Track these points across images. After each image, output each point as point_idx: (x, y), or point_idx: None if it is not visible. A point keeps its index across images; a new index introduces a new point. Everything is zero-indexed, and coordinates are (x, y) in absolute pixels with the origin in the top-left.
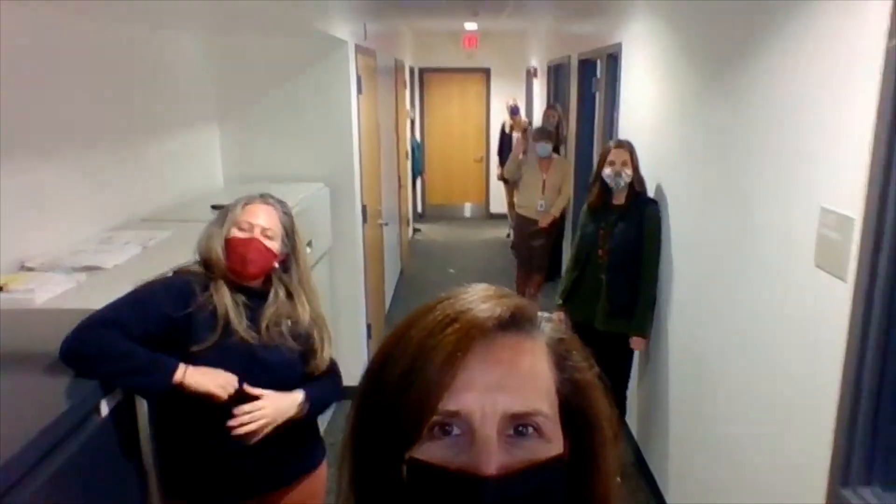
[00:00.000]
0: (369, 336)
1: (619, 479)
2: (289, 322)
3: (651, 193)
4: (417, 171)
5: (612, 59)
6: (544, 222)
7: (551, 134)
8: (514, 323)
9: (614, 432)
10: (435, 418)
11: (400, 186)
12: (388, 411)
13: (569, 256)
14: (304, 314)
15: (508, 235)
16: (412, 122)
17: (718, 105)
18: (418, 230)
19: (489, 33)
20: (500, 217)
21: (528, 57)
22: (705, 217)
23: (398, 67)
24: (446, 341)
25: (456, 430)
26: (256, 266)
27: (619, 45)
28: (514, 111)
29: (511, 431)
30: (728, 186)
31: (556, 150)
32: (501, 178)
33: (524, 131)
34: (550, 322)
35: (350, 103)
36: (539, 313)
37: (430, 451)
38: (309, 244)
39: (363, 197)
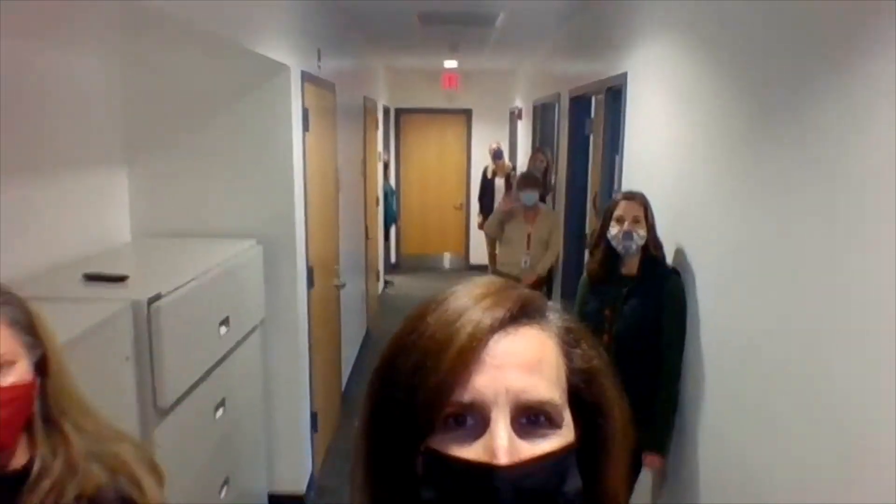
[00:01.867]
0: (314, 428)
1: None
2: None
3: (669, 260)
4: (391, 218)
5: (613, 94)
6: (528, 281)
7: (538, 181)
8: (524, 314)
9: (626, 417)
10: (449, 410)
11: (367, 238)
12: (402, 404)
13: None
14: (95, 475)
15: None
16: (385, 166)
17: (770, 150)
18: (390, 282)
19: (470, 72)
20: (481, 269)
21: (512, 97)
22: (751, 293)
23: (368, 107)
24: (459, 334)
25: (470, 421)
26: None
27: (623, 76)
28: (497, 155)
29: (524, 420)
30: (785, 253)
31: (542, 198)
32: (482, 226)
33: (508, 177)
34: (558, 312)
35: (291, 142)
36: (548, 303)
37: (445, 441)
38: (224, 322)
39: (309, 255)
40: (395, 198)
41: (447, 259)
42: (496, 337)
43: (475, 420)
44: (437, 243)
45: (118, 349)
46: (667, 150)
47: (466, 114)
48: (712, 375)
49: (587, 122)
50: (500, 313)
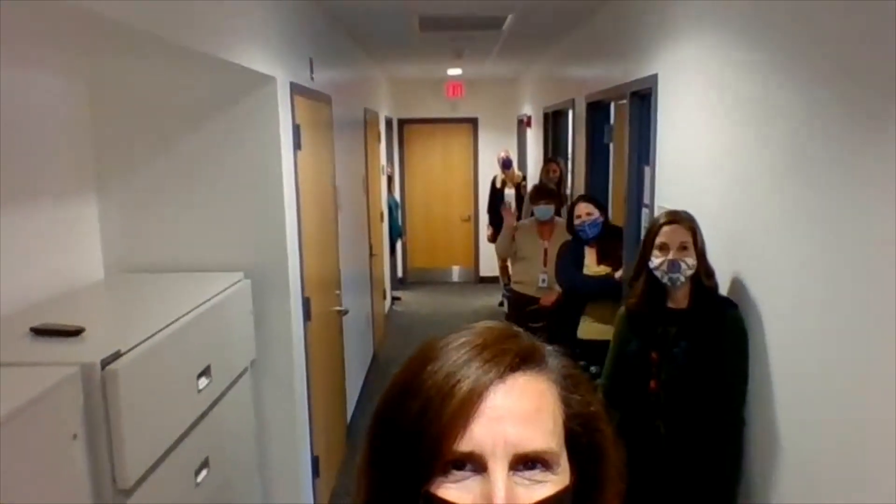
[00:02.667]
0: (316, 474)
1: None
2: None
3: (723, 290)
4: (397, 232)
5: (640, 99)
6: (546, 301)
7: (553, 193)
8: (525, 363)
9: (621, 459)
10: (448, 457)
11: (371, 255)
12: (403, 448)
13: (598, 396)
14: None
15: (501, 304)
16: (389, 179)
17: (843, 158)
18: (398, 299)
19: (475, 80)
20: (491, 281)
21: (520, 104)
22: (843, 332)
23: (369, 119)
24: (461, 386)
25: (469, 468)
26: None
27: (652, 79)
28: (506, 164)
29: (521, 468)
30: (873, 276)
31: (557, 212)
32: (492, 238)
33: (518, 187)
34: (558, 358)
35: (280, 162)
36: (546, 348)
37: (444, 487)
38: (205, 372)
39: (305, 285)
40: (400, 211)
41: (456, 272)
42: (496, 388)
43: (474, 467)
44: (444, 257)
45: (63, 426)
46: (712, 160)
47: (472, 122)
48: (787, 429)
49: (606, 130)
50: (500, 366)
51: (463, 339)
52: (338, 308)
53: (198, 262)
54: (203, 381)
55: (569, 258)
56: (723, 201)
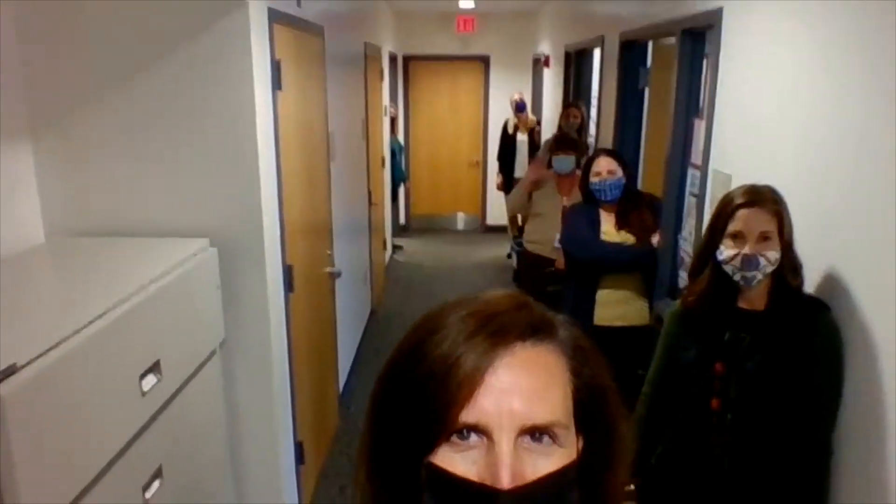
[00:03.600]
0: (300, 460)
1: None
2: None
3: (810, 287)
4: (400, 177)
5: (693, 38)
6: (562, 263)
7: (575, 144)
8: (534, 333)
9: (630, 433)
10: (454, 428)
11: (371, 205)
12: (408, 417)
13: (639, 408)
14: None
15: (509, 256)
16: (392, 121)
17: None
18: (399, 247)
19: (488, 14)
20: (498, 231)
21: (537, 41)
22: None
23: (370, 54)
24: (467, 356)
25: (474, 438)
26: None
27: (715, 14)
28: (519, 107)
29: (528, 439)
30: None
31: (578, 164)
32: (501, 187)
33: (532, 132)
34: (568, 328)
35: (254, 105)
36: (557, 318)
37: (448, 457)
38: (153, 369)
39: (286, 250)
40: (403, 155)
41: (461, 219)
42: (503, 359)
43: (479, 438)
44: (449, 203)
45: None
46: (796, 116)
47: (483, 61)
48: (888, 462)
49: (642, 73)
50: (508, 336)
51: (472, 308)
52: (329, 270)
53: (155, 226)
54: (149, 381)
55: (581, 220)
56: (811, 170)
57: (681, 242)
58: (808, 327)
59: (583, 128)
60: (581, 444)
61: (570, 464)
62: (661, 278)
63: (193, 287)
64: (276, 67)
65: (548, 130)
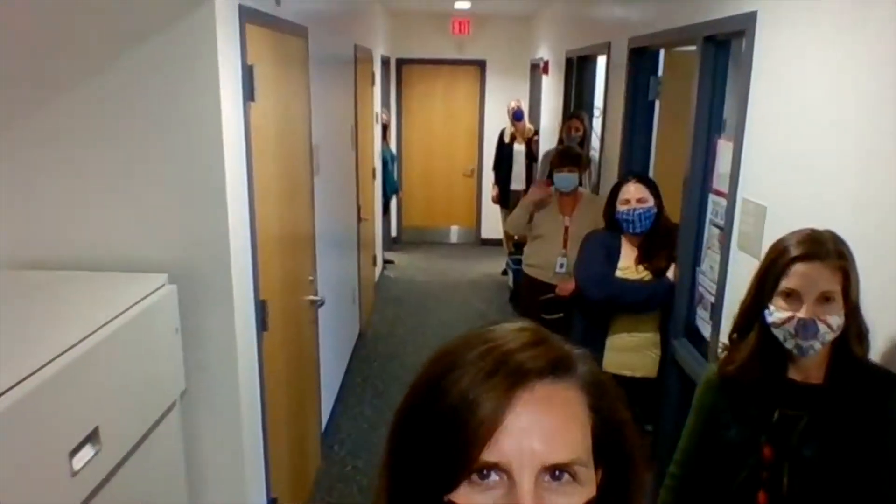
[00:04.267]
0: None
1: None
2: None
3: (875, 356)
4: (392, 188)
5: (716, 46)
6: (564, 290)
7: (579, 158)
8: (553, 372)
9: (646, 466)
10: (474, 467)
11: (360, 220)
12: (428, 455)
13: (664, 496)
14: None
15: (504, 272)
16: (384, 128)
17: None
18: (390, 262)
19: (485, 16)
20: (494, 244)
21: (536, 46)
22: None
23: (360, 57)
24: (488, 395)
25: (494, 477)
26: None
27: (747, 17)
28: (517, 116)
29: (547, 478)
30: None
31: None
32: (497, 200)
33: (530, 142)
34: (587, 364)
35: (220, 119)
36: (575, 353)
37: (469, 496)
38: (90, 439)
39: (259, 286)
40: (395, 164)
41: (455, 232)
42: (523, 398)
43: (500, 477)
44: (443, 215)
45: None
46: (855, 139)
47: (479, 66)
48: None
49: (652, 83)
50: (531, 374)
51: (490, 345)
52: (311, 298)
53: (103, 259)
54: (84, 456)
55: (599, 252)
56: (873, 210)
57: (699, 277)
58: (877, 406)
59: (585, 141)
60: (600, 478)
61: (589, 500)
62: (677, 317)
63: (147, 332)
64: (248, 74)
65: (546, 140)
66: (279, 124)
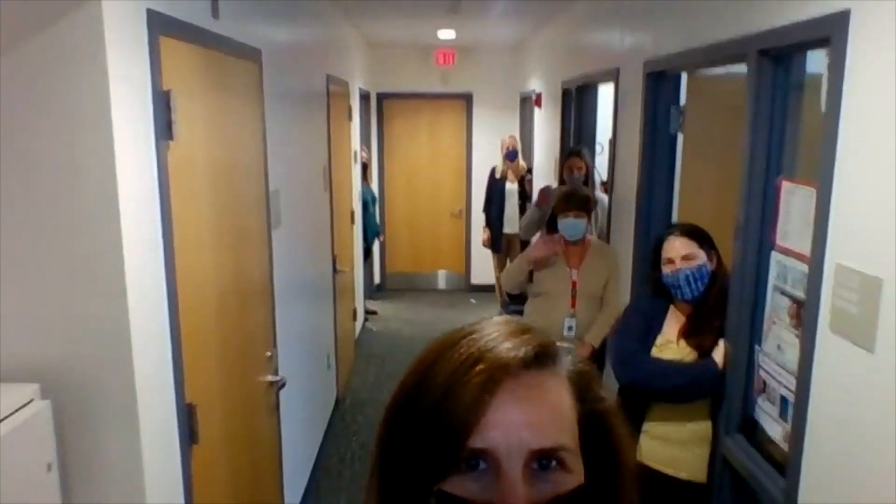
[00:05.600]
0: None
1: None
2: None
3: None
4: (373, 232)
5: (775, 62)
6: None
7: (588, 202)
8: (538, 361)
9: (635, 457)
10: (462, 455)
11: (335, 272)
12: (415, 447)
13: None
14: None
15: None
16: (365, 167)
17: None
18: (373, 313)
19: (471, 47)
20: (485, 290)
21: (525, 78)
22: None
23: (334, 90)
24: (473, 382)
25: (482, 465)
26: None
27: (837, 21)
28: (510, 156)
29: (535, 465)
30: None
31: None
32: (488, 244)
33: (522, 180)
34: (571, 355)
35: (113, 167)
36: (559, 345)
37: (458, 484)
38: None
39: (184, 386)
40: (377, 206)
41: (443, 278)
42: (510, 385)
43: (488, 465)
44: (430, 259)
45: None
46: None
47: (466, 99)
48: None
49: (673, 114)
50: (515, 362)
51: (476, 336)
52: (269, 379)
53: None
54: None
55: (636, 323)
56: None
57: (759, 358)
58: None
59: (588, 180)
60: (587, 470)
61: (577, 488)
62: (730, 408)
63: (5, 471)
64: (162, 103)
65: (540, 178)
66: (217, 169)
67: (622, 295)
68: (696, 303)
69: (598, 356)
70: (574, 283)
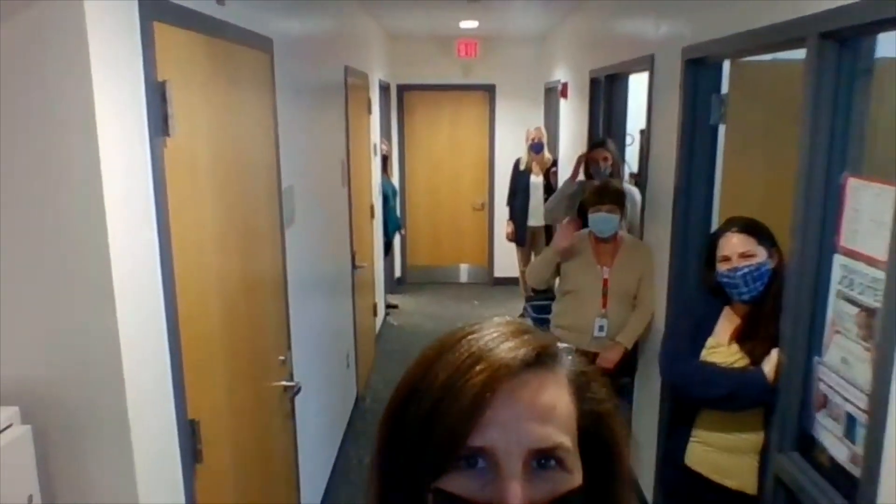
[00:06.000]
0: None
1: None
2: None
3: None
4: (394, 226)
5: (841, 45)
6: (608, 361)
7: (620, 196)
8: (538, 361)
9: (630, 452)
10: (461, 453)
11: (354, 268)
12: (414, 444)
13: None
14: None
15: (522, 316)
16: (385, 160)
17: None
18: (394, 307)
19: (493, 37)
20: (509, 283)
21: (550, 68)
22: None
23: (353, 81)
24: (473, 382)
25: (481, 464)
26: None
27: None
28: (536, 148)
29: (534, 465)
30: None
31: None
32: (512, 238)
33: (547, 173)
34: (571, 355)
35: (98, 168)
36: (560, 345)
37: (456, 482)
38: None
39: (186, 401)
40: (398, 199)
41: (465, 271)
42: (510, 384)
43: (487, 463)
44: (451, 253)
45: None
46: None
47: (489, 90)
48: None
49: (714, 103)
50: (515, 362)
51: (475, 335)
52: (284, 384)
53: None
54: None
55: (686, 321)
56: None
57: (818, 369)
58: None
59: (615, 173)
60: (586, 470)
61: (576, 487)
62: (784, 423)
63: None
64: (157, 95)
65: (565, 170)
66: (222, 166)
67: (657, 295)
68: (753, 304)
69: (630, 357)
70: (605, 282)
